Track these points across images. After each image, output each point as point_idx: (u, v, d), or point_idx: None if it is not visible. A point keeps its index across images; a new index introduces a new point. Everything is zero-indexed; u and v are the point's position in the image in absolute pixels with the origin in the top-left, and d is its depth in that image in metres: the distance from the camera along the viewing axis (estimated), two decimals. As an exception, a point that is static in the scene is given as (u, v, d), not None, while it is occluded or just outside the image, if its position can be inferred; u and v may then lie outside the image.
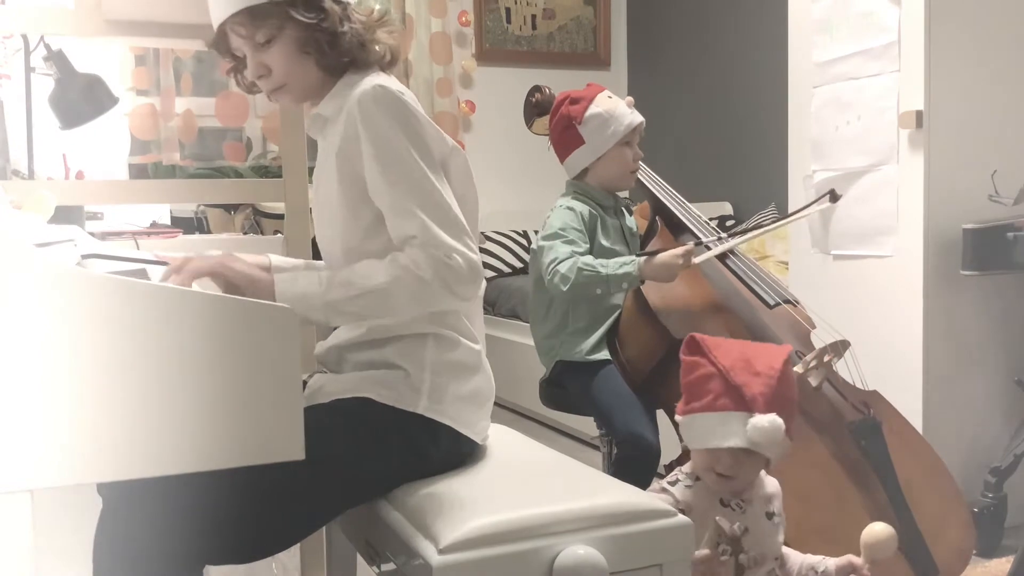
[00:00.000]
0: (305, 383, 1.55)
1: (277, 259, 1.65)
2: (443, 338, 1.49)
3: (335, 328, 1.62)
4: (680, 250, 2.12)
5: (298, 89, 1.52)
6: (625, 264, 2.12)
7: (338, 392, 1.47)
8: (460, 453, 1.52)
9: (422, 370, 1.46)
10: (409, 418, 1.44)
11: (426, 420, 1.45)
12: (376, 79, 1.47)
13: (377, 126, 1.41)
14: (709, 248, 2.27)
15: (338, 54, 1.49)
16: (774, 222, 2.81)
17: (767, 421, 1.50)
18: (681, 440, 1.65)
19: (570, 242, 2.20)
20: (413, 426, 1.45)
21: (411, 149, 1.41)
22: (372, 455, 1.43)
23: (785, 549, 1.66)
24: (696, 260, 2.15)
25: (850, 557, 1.61)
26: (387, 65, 1.57)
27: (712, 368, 1.53)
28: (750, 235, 2.48)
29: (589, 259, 2.16)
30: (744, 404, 1.50)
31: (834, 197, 2.39)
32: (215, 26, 1.49)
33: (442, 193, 1.42)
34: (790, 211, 2.70)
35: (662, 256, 2.11)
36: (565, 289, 2.13)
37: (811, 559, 1.65)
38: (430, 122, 1.47)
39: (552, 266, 2.16)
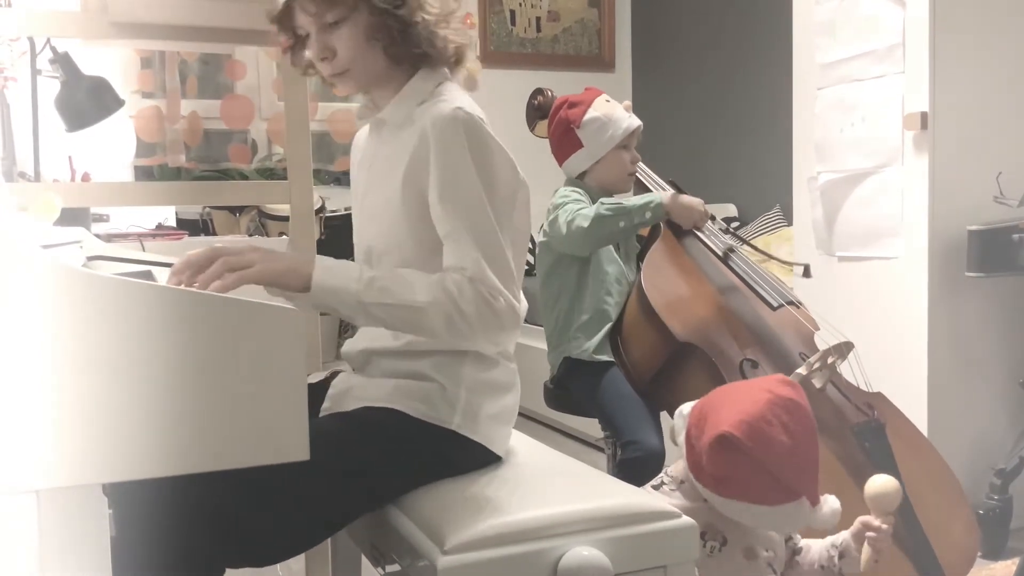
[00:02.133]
0: (328, 380, 1.54)
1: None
2: (483, 357, 1.48)
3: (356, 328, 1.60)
4: (703, 207, 2.27)
5: (362, 76, 1.45)
6: (648, 197, 2.22)
7: (367, 399, 1.45)
8: (483, 464, 1.51)
9: (458, 386, 1.45)
10: (441, 433, 1.43)
11: (457, 435, 1.44)
12: (455, 99, 1.41)
13: (450, 152, 1.37)
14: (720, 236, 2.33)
15: (409, 45, 1.42)
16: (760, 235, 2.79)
17: (830, 513, 1.50)
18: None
19: (581, 203, 2.25)
20: (444, 441, 1.44)
21: (479, 183, 1.37)
22: (399, 466, 1.42)
23: (806, 540, 1.67)
24: (704, 229, 2.29)
25: (862, 518, 1.60)
26: (454, 65, 1.51)
27: (757, 464, 1.45)
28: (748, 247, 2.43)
29: (608, 201, 2.21)
30: (797, 495, 1.47)
31: (807, 273, 2.38)
32: None
33: (499, 235, 1.37)
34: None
35: (689, 198, 2.25)
36: (586, 227, 2.14)
37: (829, 539, 1.65)
38: (503, 151, 1.42)
39: (570, 218, 2.18)
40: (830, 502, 1.50)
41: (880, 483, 1.59)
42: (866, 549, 1.58)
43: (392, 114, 1.48)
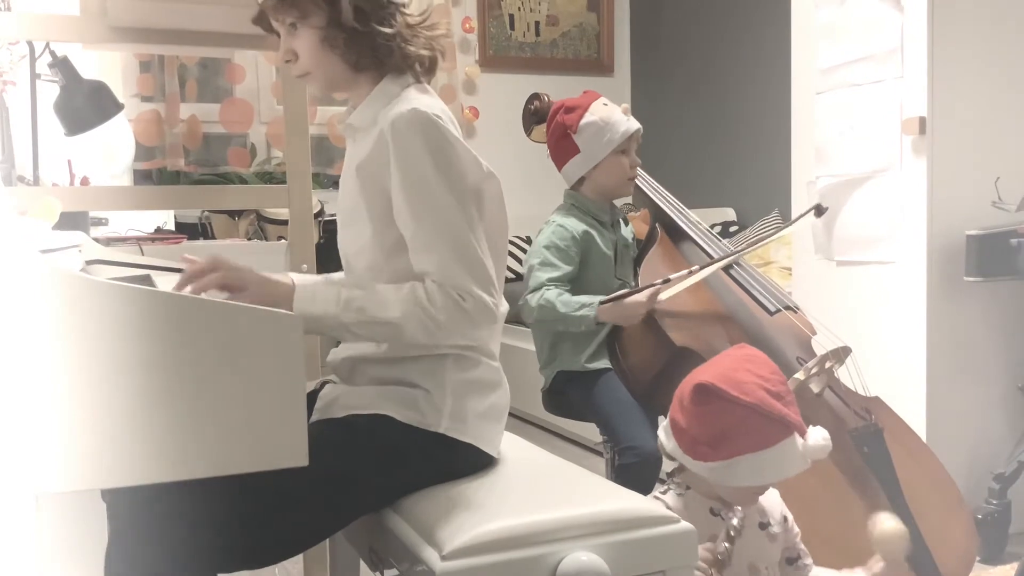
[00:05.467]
0: (317, 391, 1.55)
1: (299, 278, 1.65)
2: (463, 358, 1.49)
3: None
4: (644, 295, 2.13)
5: (322, 80, 1.51)
6: (584, 306, 2.15)
7: (354, 406, 1.46)
8: (477, 466, 1.51)
9: (443, 390, 1.46)
10: (429, 437, 1.44)
11: (447, 438, 1.45)
12: (413, 100, 1.44)
13: (408, 153, 1.39)
14: (673, 281, 2.19)
15: (357, 53, 1.47)
16: (762, 237, 2.76)
17: (822, 438, 1.51)
18: None
19: (549, 265, 2.22)
20: (433, 444, 1.44)
21: (441, 181, 1.39)
22: (390, 470, 1.42)
23: (819, 569, 1.65)
24: (662, 297, 2.16)
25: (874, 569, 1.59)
26: (423, 72, 1.54)
27: (742, 409, 1.47)
28: (725, 261, 2.31)
29: (552, 294, 2.17)
30: (788, 430, 1.49)
31: (819, 211, 2.37)
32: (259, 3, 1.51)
33: (467, 230, 1.40)
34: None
35: (626, 302, 2.13)
36: (530, 322, 2.23)
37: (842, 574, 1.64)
38: (465, 147, 1.45)
39: (525, 294, 2.23)
40: (819, 431, 1.52)
41: (888, 529, 1.57)
42: None
43: (359, 119, 1.52)
